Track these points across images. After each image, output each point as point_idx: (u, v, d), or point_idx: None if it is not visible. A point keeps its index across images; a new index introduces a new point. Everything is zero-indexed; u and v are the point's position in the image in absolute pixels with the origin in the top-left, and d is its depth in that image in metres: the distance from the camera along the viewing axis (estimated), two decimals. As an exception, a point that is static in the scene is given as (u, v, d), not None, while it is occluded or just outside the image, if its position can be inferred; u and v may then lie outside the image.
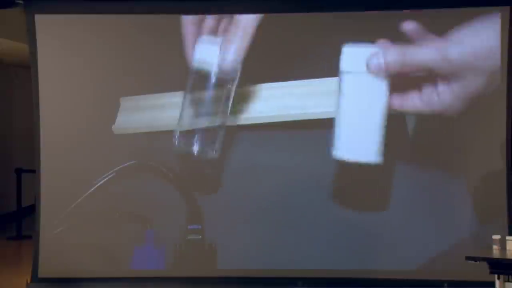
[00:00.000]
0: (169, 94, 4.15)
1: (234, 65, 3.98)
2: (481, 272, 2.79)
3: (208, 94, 4.06)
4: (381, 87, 3.85)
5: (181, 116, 4.07)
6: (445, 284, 3.99)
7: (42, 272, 4.23)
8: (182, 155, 4.16)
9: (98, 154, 4.21)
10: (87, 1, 4.22)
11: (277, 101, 4.05)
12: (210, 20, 4.06)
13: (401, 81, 3.85)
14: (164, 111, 4.14)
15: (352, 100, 3.89)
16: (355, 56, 3.88)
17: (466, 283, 3.89)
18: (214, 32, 4.05)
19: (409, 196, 4.07)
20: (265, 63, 4.11)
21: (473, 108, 3.91)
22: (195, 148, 4.07)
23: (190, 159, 4.15)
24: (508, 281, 2.63)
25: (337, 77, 3.92)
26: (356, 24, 4.06)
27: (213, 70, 4.02)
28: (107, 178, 4.19)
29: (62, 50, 4.25)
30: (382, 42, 3.87)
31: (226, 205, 4.17)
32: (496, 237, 2.86)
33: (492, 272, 2.66)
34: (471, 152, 4.05)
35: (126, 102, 4.19)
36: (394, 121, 3.97)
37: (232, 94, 4.02)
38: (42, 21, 4.21)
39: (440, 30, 3.86)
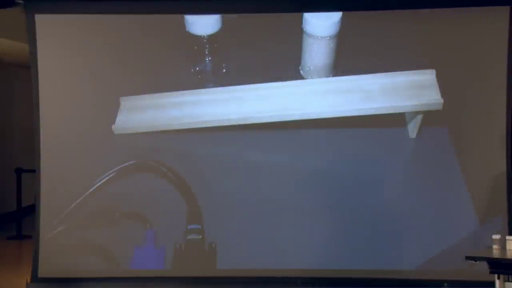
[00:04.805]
0: (169, 94, 4.15)
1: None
2: (481, 272, 2.79)
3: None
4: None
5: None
6: (445, 284, 3.99)
7: (42, 272, 4.23)
8: (182, 155, 4.16)
9: (98, 154, 4.21)
10: (87, 1, 4.21)
11: (277, 101, 4.05)
12: None
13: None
14: (164, 111, 4.14)
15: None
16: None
17: (466, 283, 3.89)
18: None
19: (409, 196, 4.07)
20: (265, 63, 4.12)
21: (473, 108, 3.91)
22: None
23: (190, 159, 4.16)
24: (508, 281, 2.63)
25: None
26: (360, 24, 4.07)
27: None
28: (107, 178, 4.19)
29: (62, 50, 4.25)
30: None
31: (226, 205, 4.17)
32: (496, 237, 2.85)
33: (492, 272, 2.65)
34: (471, 151, 4.05)
35: (126, 102, 4.18)
36: (394, 122, 3.98)
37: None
38: (42, 21, 4.21)
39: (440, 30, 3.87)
